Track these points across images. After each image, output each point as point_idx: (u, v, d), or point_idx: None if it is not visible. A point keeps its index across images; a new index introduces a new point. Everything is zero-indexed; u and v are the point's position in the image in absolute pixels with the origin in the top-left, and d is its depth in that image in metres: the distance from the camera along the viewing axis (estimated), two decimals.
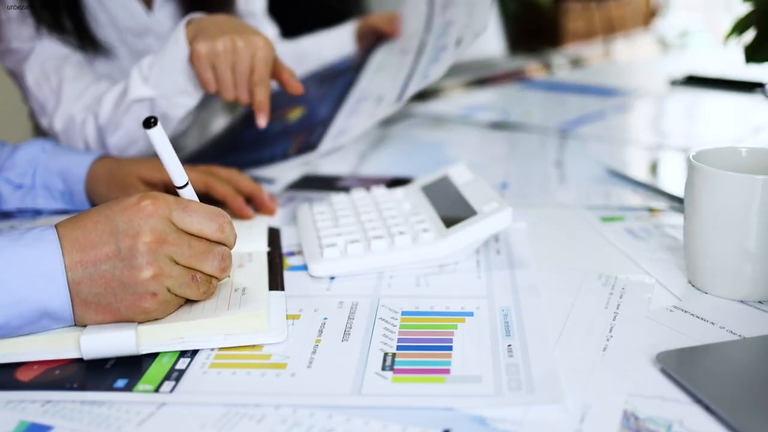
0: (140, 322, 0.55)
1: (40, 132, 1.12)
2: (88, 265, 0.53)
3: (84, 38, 1.00)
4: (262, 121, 0.85)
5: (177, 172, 0.58)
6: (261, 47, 0.83)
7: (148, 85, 0.88)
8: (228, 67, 0.83)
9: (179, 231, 0.55)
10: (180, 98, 0.89)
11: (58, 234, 0.54)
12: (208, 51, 0.82)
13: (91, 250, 0.53)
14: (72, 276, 0.53)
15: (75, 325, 0.55)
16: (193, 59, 0.83)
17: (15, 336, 0.54)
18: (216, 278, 0.58)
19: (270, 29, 1.27)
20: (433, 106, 1.42)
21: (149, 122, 0.55)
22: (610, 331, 0.58)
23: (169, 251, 0.54)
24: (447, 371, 0.52)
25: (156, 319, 0.56)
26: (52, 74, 0.96)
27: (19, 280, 0.52)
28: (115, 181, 0.81)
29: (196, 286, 0.56)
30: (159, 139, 0.56)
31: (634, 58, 2.18)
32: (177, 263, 0.55)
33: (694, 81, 1.53)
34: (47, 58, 0.97)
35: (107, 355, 0.54)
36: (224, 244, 0.58)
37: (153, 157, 0.84)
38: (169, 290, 0.55)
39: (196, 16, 0.88)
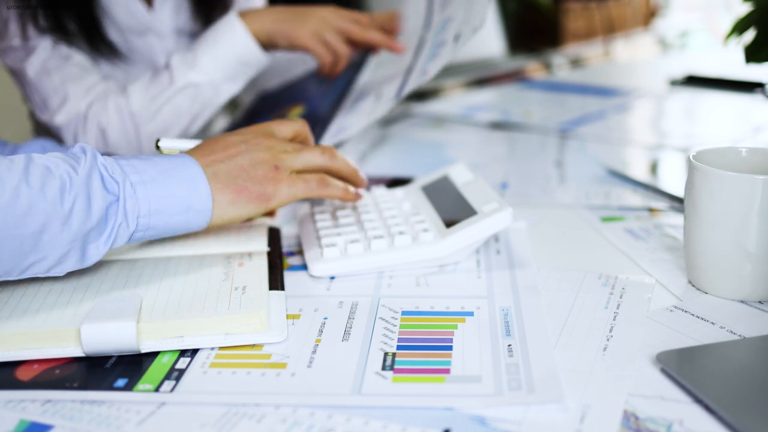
0: (269, 201, 0.66)
1: (40, 132, 1.12)
2: (224, 159, 0.66)
3: (96, 41, 1.00)
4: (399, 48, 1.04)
5: None
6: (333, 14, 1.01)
7: (196, 71, 0.95)
8: (336, 34, 1.00)
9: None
10: (226, 85, 0.97)
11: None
12: (311, 32, 0.99)
13: (221, 151, 0.66)
14: (212, 170, 0.64)
15: (211, 221, 0.64)
16: (300, 43, 0.98)
17: (170, 223, 0.62)
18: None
19: None
20: (433, 106, 1.42)
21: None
22: (610, 331, 0.58)
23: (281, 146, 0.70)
24: (447, 371, 0.52)
25: (283, 202, 0.67)
26: (55, 72, 0.97)
27: (172, 189, 0.62)
28: None
29: (310, 153, 0.70)
30: None
31: (634, 58, 2.18)
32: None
33: (694, 81, 1.53)
34: (49, 56, 0.97)
35: (108, 351, 0.54)
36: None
37: None
38: (289, 169, 0.68)
39: (243, 9, 1.00)
